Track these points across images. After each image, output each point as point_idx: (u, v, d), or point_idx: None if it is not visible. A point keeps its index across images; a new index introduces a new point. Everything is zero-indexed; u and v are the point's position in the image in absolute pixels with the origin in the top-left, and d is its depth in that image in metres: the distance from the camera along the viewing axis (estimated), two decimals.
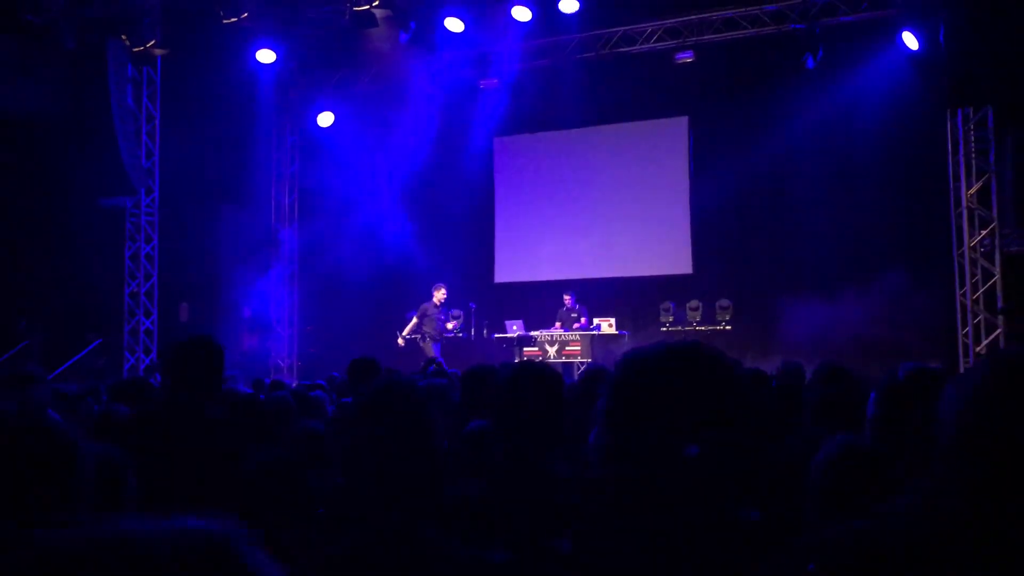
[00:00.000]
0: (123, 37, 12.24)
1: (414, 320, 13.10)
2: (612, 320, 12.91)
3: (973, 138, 11.38)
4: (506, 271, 15.17)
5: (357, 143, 15.09)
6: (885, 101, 11.74)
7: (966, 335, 11.44)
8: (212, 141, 13.78)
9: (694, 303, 13.16)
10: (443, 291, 13.17)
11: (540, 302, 13.96)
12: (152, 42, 12.47)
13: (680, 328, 12.75)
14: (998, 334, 10.99)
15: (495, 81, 14.36)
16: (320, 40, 13.55)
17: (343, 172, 15.06)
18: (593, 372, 4.98)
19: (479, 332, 13.71)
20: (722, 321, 12.70)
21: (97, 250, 13.68)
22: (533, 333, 12.99)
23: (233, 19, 12.07)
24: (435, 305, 13.14)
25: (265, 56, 13.66)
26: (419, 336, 13.11)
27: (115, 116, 12.46)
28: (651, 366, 1.32)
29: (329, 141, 15.24)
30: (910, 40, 11.57)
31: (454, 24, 12.81)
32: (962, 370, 10.75)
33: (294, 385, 8.45)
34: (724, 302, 12.83)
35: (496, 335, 13.28)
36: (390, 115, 15.03)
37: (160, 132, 13.99)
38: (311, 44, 13.72)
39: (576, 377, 11.23)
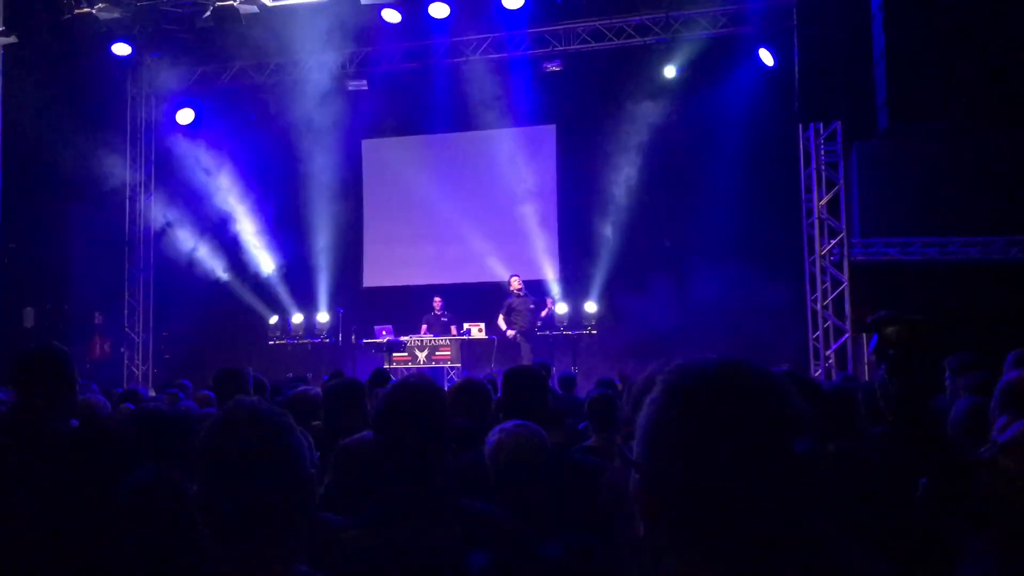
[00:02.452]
0: None
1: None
2: (482, 325, 12.93)
3: (823, 152, 11.99)
4: (375, 275, 14.98)
5: (219, 142, 14.59)
6: (743, 114, 12.26)
7: (816, 339, 12.02)
8: (62, 136, 13.00)
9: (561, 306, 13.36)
10: (517, 279, 12.77)
11: (409, 307, 13.84)
12: None
13: (548, 332, 12.89)
14: (845, 339, 11.60)
15: (364, 83, 14.17)
16: (181, 34, 13.03)
17: (204, 172, 14.54)
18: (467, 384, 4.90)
19: (347, 338, 13.47)
20: (588, 326, 12.92)
21: None
22: (403, 338, 12.87)
23: (86, 9, 11.47)
24: (516, 294, 12.65)
25: (121, 49, 13.04)
26: (514, 333, 12.60)
27: None
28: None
29: (189, 139, 14.67)
30: (766, 56, 12.15)
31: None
32: (814, 373, 11.32)
33: (150, 394, 8.07)
34: (590, 307, 13.07)
35: (365, 340, 13.08)
36: (255, 114, 14.62)
37: (3, 124, 13.12)
38: (171, 38, 13.17)
39: (447, 383, 11.20)
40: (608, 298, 13.24)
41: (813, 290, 12.13)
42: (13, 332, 13.21)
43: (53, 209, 13.71)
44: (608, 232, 13.61)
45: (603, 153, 13.50)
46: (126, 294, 15.17)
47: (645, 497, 1.15)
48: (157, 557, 2.07)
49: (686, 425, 1.12)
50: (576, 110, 14.01)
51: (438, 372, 12.51)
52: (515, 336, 12.61)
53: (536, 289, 13.18)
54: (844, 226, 11.80)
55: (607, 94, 13.57)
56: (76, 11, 11.29)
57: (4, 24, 11.64)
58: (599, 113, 13.70)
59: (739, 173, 12.46)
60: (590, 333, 12.92)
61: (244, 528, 1.61)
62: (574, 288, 13.57)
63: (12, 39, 11.87)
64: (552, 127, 14.40)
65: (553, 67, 13.63)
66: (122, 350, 15.02)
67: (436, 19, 12.75)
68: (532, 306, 12.62)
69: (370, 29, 13.20)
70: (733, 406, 1.11)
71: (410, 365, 12.48)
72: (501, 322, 12.68)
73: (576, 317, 13.07)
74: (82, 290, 14.40)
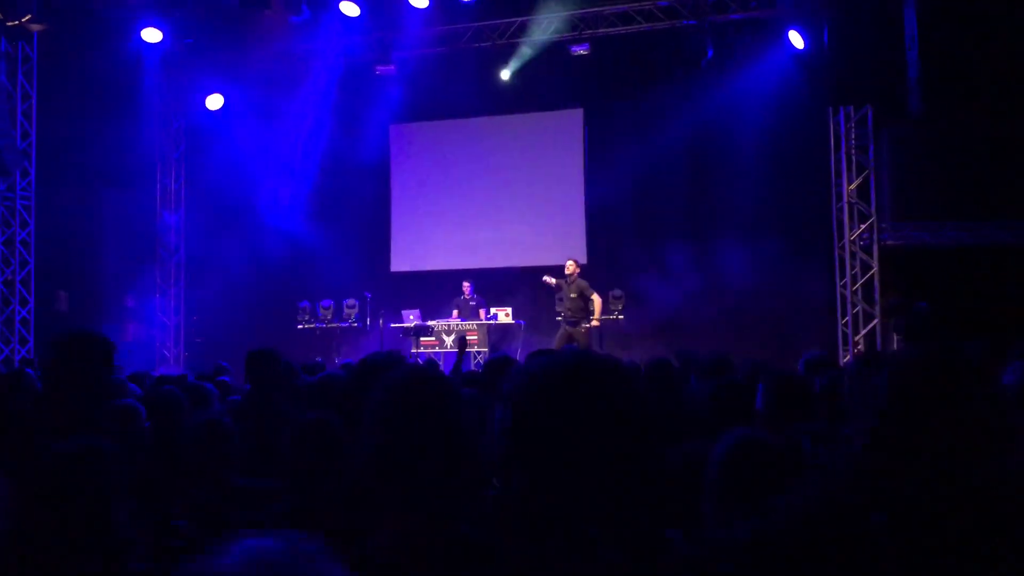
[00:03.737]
0: None
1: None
2: (509, 309, 12.97)
3: (854, 135, 11.88)
4: (403, 260, 15.05)
5: (248, 127, 14.66)
6: (772, 98, 12.14)
7: (845, 324, 11.94)
8: (94, 122, 13.14)
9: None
10: (572, 263, 12.30)
11: (437, 291, 13.91)
12: (28, 16, 11.81)
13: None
14: (875, 324, 11.51)
15: (392, 68, 14.18)
16: (210, 20, 13.09)
17: (233, 157, 14.63)
18: (497, 362, 4.97)
19: (375, 322, 13.55)
20: (615, 311, 12.91)
21: None
22: (430, 323, 12.93)
23: None
24: (568, 280, 12.19)
25: (151, 35, 13.15)
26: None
27: None
28: (554, 383, 1.33)
29: (218, 125, 14.76)
30: (796, 39, 12.01)
31: (349, 8, 12.61)
32: (843, 359, 11.25)
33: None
34: (617, 292, 13.04)
35: (392, 324, 13.16)
36: (283, 100, 14.67)
37: (37, 112, 13.29)
38: (200, 24, 13.25)
39: (475, 366, 11.25)
40: (635, 283, 13.20)
41: (842, 275, 12.04)
42: (48, 316, 13.43)
43: (86, 194, 13.88)
44: (635, 217, 13.56)
45: (630, 137, 13.45)
46: (157, 278, 15.37)
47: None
48: None
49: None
50: (604, 94, 13.94)
51: (466, 356, 12.54)
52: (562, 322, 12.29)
53: (561, 273, 13.04)
54: (874, 210, 11.69)
55: (635, 77, 13.50)
56: None
57: (36, 11, 11.76)
58: (627, 96, 13.64)
59: (768, 157, 12.38)
60: (617, 318, 12.90)
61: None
62: (601, 273, 13.54)
63: (43, 26, 11.98)
64: (579, 111, 14.35)
65: (581, 51, 13.56)
66: (154, 334, 15.23)
67: (464, 3, 12.73)
68: (574, 295, 12.16)
69: (398, 14, 13.21)
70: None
71: (437, 349, 12.55)
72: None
73: (603, 302, 13.04)
74: (114, 274, 14.59)
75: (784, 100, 12.10)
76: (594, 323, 12.00)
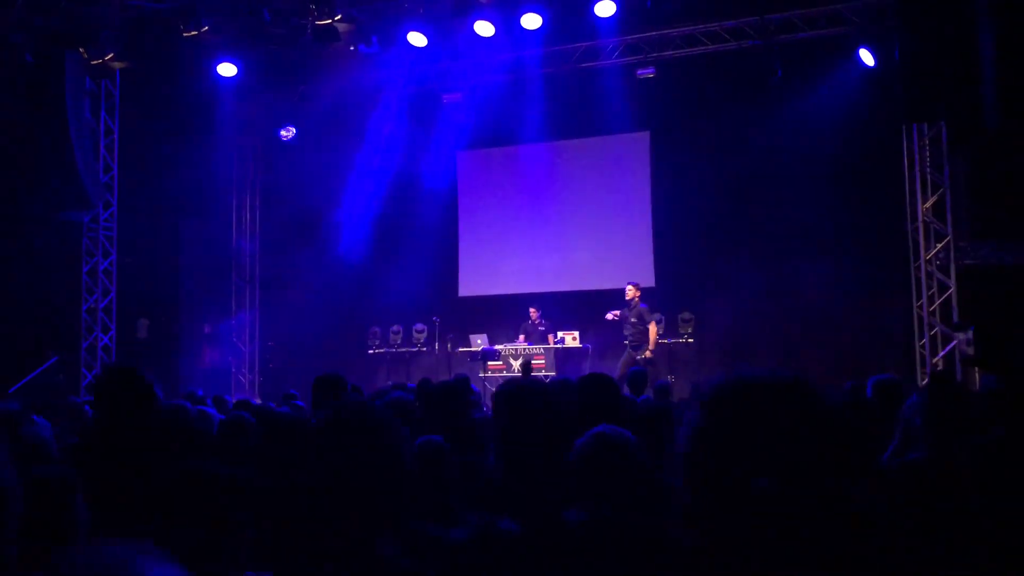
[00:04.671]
0: (81, 50, 12.08)
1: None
2: (576, 333, 12.95)
3: (928, 153, 11.60)
4: (470, 285, 15.16)
5: (320, 157, 15.01)
6: (843, 117, 11.93)
7: (923, 346, 11.61)
8: (172, 155, 13.61)
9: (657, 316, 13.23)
10: (632, 287, 12.16)
11: (504, 316, 13.97)
12: (111, 55, 12.31)
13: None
14: (953, 346, 11.17)
15: (458, 95, 14.37)
16: (282, 53, 13.46)
17: (305, 186, 14.98)
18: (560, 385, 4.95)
19: (443, 346, 13.67)
20: (684, 334, 12.78)
21: (55, 265, 13.46)
22: (497, 347, 12.98)
23: (194, 32, 11.97)
24: (630, 305, 12.04)
25: (226, 70, 13.56)
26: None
27: (72, 130, 12.28)
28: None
29: (291, 155, 15.14)
30: (866, 57, 11.82)
31: (417, 39, 12.81)
32: (920, 381, 10.94)
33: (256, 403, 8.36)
34: (687, 315, 12.92)
35: (460, 349, 13.25)
36: (353, 129, 14.98)
37: (119, 146, 13.82)
38: (273, 57, 13.62)
39: None
40: (704, 305, 13.06)
41: (919, 296, 11.73)
42: (129, 343, 13.87)
43: (165, 224, 14.35)
44: (704, 239, 13.44)
45: (698, 159, 13.36)
46: (233, 306, 15.77)
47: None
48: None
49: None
50: (670, 116, 13.90)
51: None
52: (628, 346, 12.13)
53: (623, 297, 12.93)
54: (951, 229, 11.38)
55: (701, 99, 13.44)
56: (184, 34, 11.80)
57: (118, 51, 12.25)
58: (693, 119, 13.57)
59: (839, 177, 12.17)
60: (686, 341, 12.77)
61: (341, 512, 1.74)
62: (670, 296, 13.44)
63: (125, 64, 12.47)
64: (646, 134, 14.32)
65: (646, 74, 13.55)
66: (230, 360, 15.60)
67: (528, 30, 12.85)
68: (634, 320, 12.03)
69: (464, 42, 13.39)
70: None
71: (505, 373, 12.58)
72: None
73: (672, 325, 12.94)
74: (192, 302, 15.01)
75: (855, 119, 11.89)
76: (647, 355, 11.84)
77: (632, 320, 12.02)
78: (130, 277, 13.96)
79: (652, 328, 11.97)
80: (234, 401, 7.52)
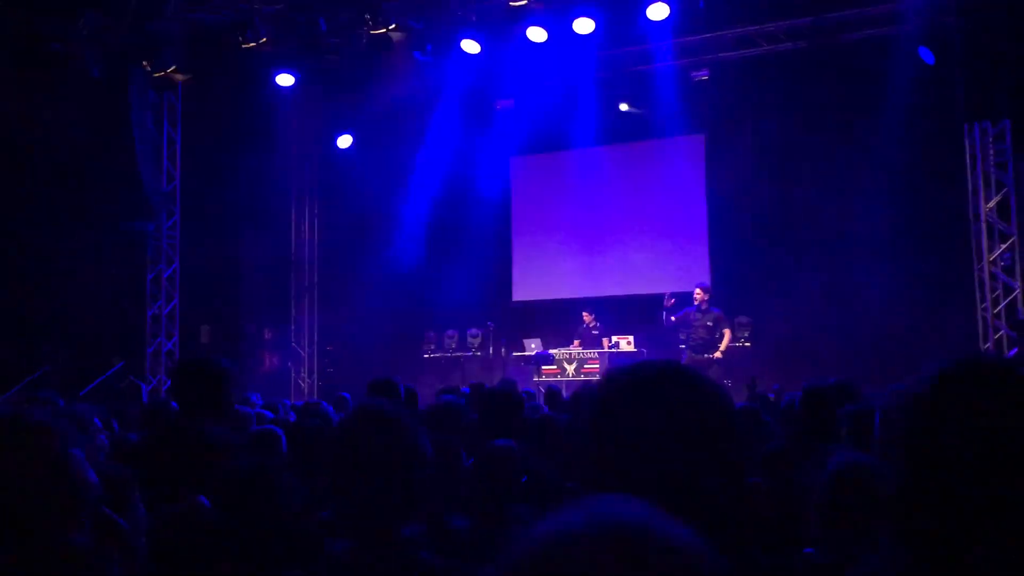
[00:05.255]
0: (144, 64, 12.42)
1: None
2: (631, 338, 12.89)
3: (991, 152, 11.32)
4: (524, 290, 15.20)
5: (375, 164, 15.20)
6: (902, 116, 11.69)
7: (987, 350, 11.32)
8: (232, 164, 13.94)
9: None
10: (700, 290, 11.89)
11: (558, 320, 13.98)
12: (173, 68, 12.63)
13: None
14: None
15: (511, 101, 14.44)
16: (339, 63, 13.68)
17: (362, 193, 15.19)
18: (579, 393, 5.01)
19: (497, 351, 13.72)
20: (741, 338, 12.64)
21: (120, 273, 13.84)
22: (551, 351, 13.00)
23: (252, 44, 12.22)
24: (700, 308, 11.77)
25: (284, 79, 13.81)
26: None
27: (136, 142, 12.64)
28: (635, 383, 1.30)
29: (348, 162, 15.37)
30: (926, 55, 11.57)
31: (470, 46, 12.90)
32: None
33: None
34: (743, 319, 12.78)
35: (514, 353, 13.29)
36: (408, 135, 15.15)
37: (181, 156, 14.16)
38: (330, 67, 13.85)
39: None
40: (761, 309, 12.91)
41: (983, 298, 11.45)
42: (191, 348, 14.19)
43: (226, 232, 14.67)
44: (760, 242, 13.29)
45: (754, 161, 13.21)
46: (292, 311, 16.04)
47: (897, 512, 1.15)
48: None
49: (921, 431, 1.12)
50: (725, 119, 13.78)
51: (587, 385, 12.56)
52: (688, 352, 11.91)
53: (686, 300, 12.79)
54: (1015, 230, 11.09)
55: (758, 101, 13.29)
56: (243, 46, 12.05)
57: (180, 63, 12.57)
58: (749, 120, 13.43)
59: (899, 177, 11.93)
60: (743, 345, 12.63)
61: (367, 512, 1.82)
62: (726, 299, 13.29)
63: (187, 76, 12.79)
64: (701, 137, 14.22)
65: (701, 76, 13.46)
66: (289, 364, 15.87)
67: (581, 35, 12.85)
68: (710, 324, 11.78)
69: (517, 48, 13.44)
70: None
71: (559, 378, 12.58)
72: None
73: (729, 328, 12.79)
74: (252, 308, 15.32)
75: (915, 118, 11.64)
76: (717, 355, 11.75)
77: (707, 324, 11.81)
78: (192, 284, 14.29)
79: (728, 333, 11.85)
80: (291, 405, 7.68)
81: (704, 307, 11.86)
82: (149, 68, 12.48)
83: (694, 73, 13.48)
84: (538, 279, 15.05)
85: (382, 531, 1.85)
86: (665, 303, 12.03)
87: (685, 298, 12.45)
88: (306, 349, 16.09)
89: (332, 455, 1.92)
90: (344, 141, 15.34)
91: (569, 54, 13.76)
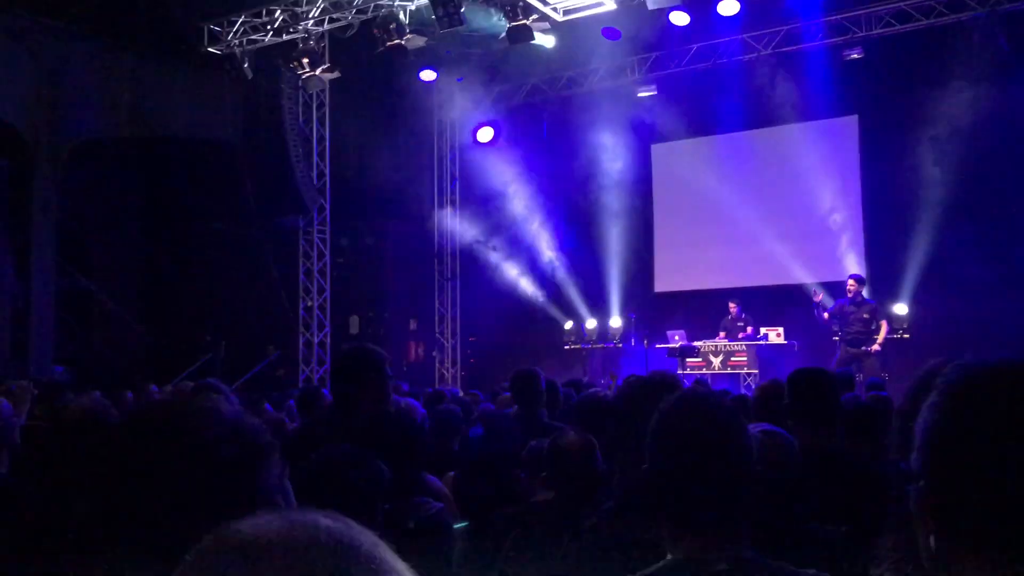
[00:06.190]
0: (294, 64, 12.87)
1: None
2: (780, 329, 12.43)
3: None
4: (666, 279, 14.92)
5: (516, 156, 15.27)
6: None
7: None
8: (378, 159, 14.29)
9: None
10: (853, 281, 11.40)
11: (702, 311, 13.65)
12: (322, 67, 13.04)
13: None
14: None
15: (652, 88, 14.19)
16: (479, 57, 13.80)
17: (503, 185, 15.28)
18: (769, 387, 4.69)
19: (639, 342, 13.53)
20: (899, 330, 11.99)
21: (275, 267, 14.44)
22: (696, 343, 12.70)
23: (396, 41, 12.46)
24: (853, 300, 11.25)
25: (427, 75, 14.06)
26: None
27: (288, 140, 13.14)
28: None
29: (488, 154, 15.50)
30: None
31: (612, 33, 12.75)
32: None
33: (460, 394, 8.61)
34: (901, 310, 12.13)
35: (657, 345, 13.07)
36: (547, 126, 15.14)
37: (330, 152, 14.62)
38: (470, 61, 14.01)
39: (744, 389, 10.89)
40: (922, 299, 12.21)
41: None
42: (342, 338, 14.66)
43: (372, 226, 15.08)
44: (919, 228, 12.55)
45: (912, 142, 12.47)
46: (436, 302, 16.32)
47: (932, 511, 1.04)
48: None
49: (972, 429, 1.00)
50: (880, 98, 13.07)
51: (733, 378, 12.21)
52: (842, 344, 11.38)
53: (835, 291, 12.23)
54: None
55: (915, 79, 12.53)
56: (388, 43, 12.29)
57: (329, 61, 12.96)
58: (907, 100, 12.66)
59: None
60: (901, 337, 11.98)
61: (694, 506, 1.74)
62: (882, 289, 12.64)
63: (336, 74, 13.17)
64: (854, 118, 13.56)
65: (853, 54, 12.84)
66: (433, 354, 16.18)
67: (725, 17, 12.49)
68: (866, 316, 11.20)
69: (658, 33, 13.19)
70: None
71: (704, 371, 12.28)
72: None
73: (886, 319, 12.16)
74: (398, 299, 15.68)
75: None
76: (875, 348, 11.19)
77: (863, 316, 11.27)
78: (342, 276, 14.76)
79: (884, 325, 11.30)
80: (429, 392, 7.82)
81: (858, 299, 11.29)
82: (299, 68, 12.92)
83: (846, 51, 12.88)
84: (681, 269, 14.73)
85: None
86: (813, 298, 11.54)
87: (833, 289, 11.91)
88: (449, 340, 16.35)
89: (655, 438, 1.80)
90: (484, 134, 15.47)
91: (712, 37, 13.42)
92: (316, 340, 14.55)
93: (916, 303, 12.18)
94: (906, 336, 11.96)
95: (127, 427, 1.30)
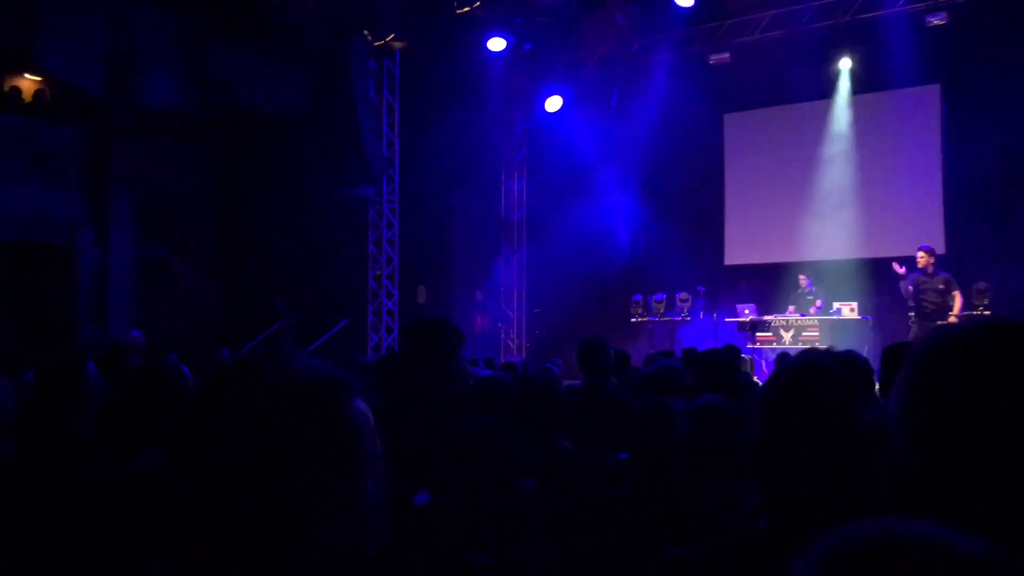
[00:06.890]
0: (365, 33, 12.90)
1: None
2: (854, 304, 12.14)
3: None
4: (737, 253, 14.68)
5: (584, 126, 15.12)
6: None
7: None
8: (446, 129, 14.28)
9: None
10: (924, 253, 10.94)
11: (773, 285, 13.40)
12: (391, 36, 13.06)
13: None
14: None
15: (726, 56, 13.89)
16: (549, 25, 13.67)
17: (571, 156, 15.16)
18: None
19: (708, 316, 13.35)
20: (979, 306, 11.61)
21: (344, 236, 14.60)
22: (767, 317, 12.50)
23: (466, 9, 12.42)
24: (924, 272, 10.88)
25: (496, 44, 13.97)
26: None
27: (358, 110, 13.21)
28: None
29: (557, 125, 15.38)
30: None
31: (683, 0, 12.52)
32: None
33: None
34: (981, 285, 11.72)
35: (727, 319, 12.89)
36: (618, 96, 14.94)
37: (399, 122, 14.66)
38: (540, 30, 13.88)
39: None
40: (1002, 275, 11.79)
41: None
42: (409, 308, 14.79)
43: (439, 196, 15.11)
44: (1002, 201, 12.10)
45: (998, 113, 12.01)
46: (502, 274, 16.34)
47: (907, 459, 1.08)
48: None
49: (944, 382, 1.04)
50: (965, 67, 12.58)
51: None
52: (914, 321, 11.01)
53: (912, 265, 11.83)
54: None
55: (1002, 47, 12.03)
56: (458, 11, 12.25)
57: (398, 31, 12.97)
58: (993, 68, 12.18)
59: None
60: (981, 313, 11.60)
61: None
62: (963, 264, 12.24)
63: (404, 44, 13.18)
64: (936, 87, 13.09)
65: (937, 20, 12.38)
66: (499, 325, 16.21)
67: None
68: (942, 287, 10.82)
69: (732, 1, 12.90)
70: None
71: (775, 345, 12.08)
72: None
73: (966, 296, 11.78)
74: (465, 270, 15.73)
75: None
76: (952, 319, 10.84)
77: (938, 287, 10.92)
78: (410, 246, 14.85)
79: (958, 297, 10.95)
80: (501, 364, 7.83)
81: (930, 270, 10.94)
82: (369, 37, 12.95)
83: (929, 18, 12.42)
84: (752, 241, 14.47)
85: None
86: (896, 270, 11.20)
87: (909, 263, 11.57)
88: (515, 311, 16.36)
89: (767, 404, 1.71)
90: (553, 103, 15.35)
91: (788, 3, 13.06)
92: (384, 308, 14.69)
93: (997, 280, 11.77)
94: (986, 313, 11.58)
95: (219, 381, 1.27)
